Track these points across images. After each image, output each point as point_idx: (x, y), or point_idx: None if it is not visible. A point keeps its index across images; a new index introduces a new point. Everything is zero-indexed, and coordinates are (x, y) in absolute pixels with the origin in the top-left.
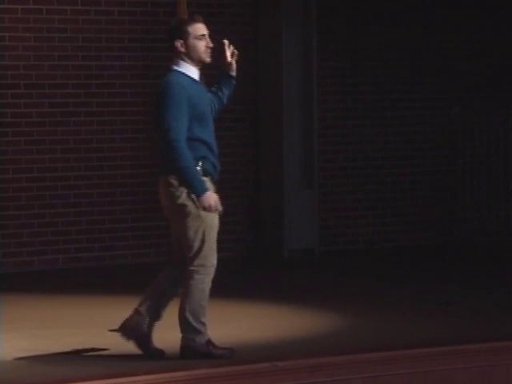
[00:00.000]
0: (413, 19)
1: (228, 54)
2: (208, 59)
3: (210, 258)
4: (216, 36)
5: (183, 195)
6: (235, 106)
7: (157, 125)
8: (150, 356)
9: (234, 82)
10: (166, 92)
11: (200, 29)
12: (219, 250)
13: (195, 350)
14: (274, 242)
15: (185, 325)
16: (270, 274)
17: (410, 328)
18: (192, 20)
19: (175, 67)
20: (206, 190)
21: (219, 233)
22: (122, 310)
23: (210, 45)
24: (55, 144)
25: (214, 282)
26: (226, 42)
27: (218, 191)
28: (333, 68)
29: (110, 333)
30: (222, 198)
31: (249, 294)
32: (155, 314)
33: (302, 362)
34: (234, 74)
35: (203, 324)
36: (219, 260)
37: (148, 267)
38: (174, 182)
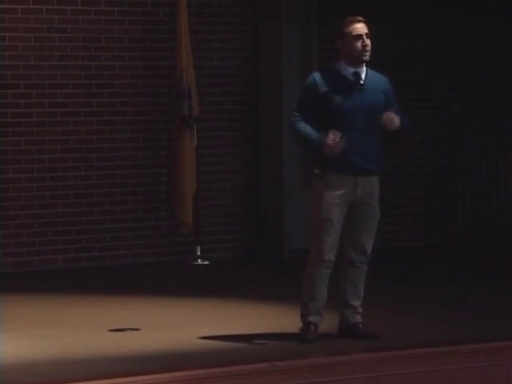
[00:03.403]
0: (413, 19)
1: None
2: (364, 58)
3: (318, 247)
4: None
5: (313, 183)
6: (235, 105)
7: None
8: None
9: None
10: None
11: (357, 29)
12: (219, 250)
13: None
14: (274, 242)
15: None
16: (270, 274)
17: (410, 328)
18: (351, 21)
19: (335, 64)
20: (321, 139)
21: (219, 232)
22: (122, 310)
23: (367, 43)
24: (55, 144)
25: (214, 281)
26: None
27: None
28: None
29: (110, 333)
30: (222, 198)
31: (248, 293)
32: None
33: (301, 362)
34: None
35: (306, 307)
36: (219, 260)
37: (148, 267)
38: (316, 171)
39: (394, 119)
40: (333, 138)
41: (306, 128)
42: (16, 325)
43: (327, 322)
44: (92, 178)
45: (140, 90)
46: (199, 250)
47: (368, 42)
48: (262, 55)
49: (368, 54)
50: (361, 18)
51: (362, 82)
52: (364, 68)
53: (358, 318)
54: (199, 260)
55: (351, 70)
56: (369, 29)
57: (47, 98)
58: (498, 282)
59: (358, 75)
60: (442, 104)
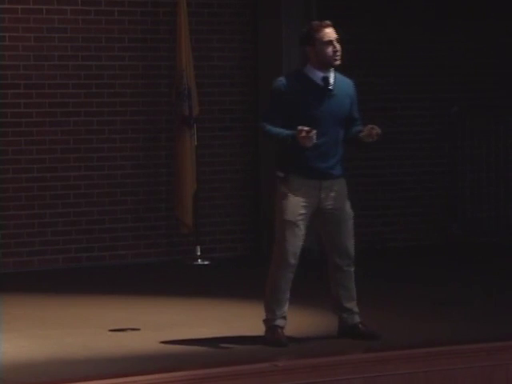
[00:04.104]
0: (413, 19)
1: (366, 132)
2: (336, 62)
3: (282, 252)
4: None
5: (278, 186)
6: (235, 105)
7: None
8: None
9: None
10: (273, 84)
11: (327, 34)
12: (219, 250)
13: (265, 329)
14: (273, 241)
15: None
16: None
17: (410, 328)
18: (320, 26)
19: (303, 68)
20: (292, 133)
21: (219, 232)
22: (121, 310)
23: (338, 48)
24: (55, 144)
25: (214, 281)
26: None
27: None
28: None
29: (110, 333)
30: (222, 198)
31: (248, 294)
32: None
33: (301, 362)
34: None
35: (273, 313)
36: (219, 260)
37: (148, 267)
38: (280, 174)
39: (378, 134)
40: (302, 131)
41: (276, 129)
42: (16, 325)
43: (326, 323)
44: (92, 177)
45: (140, 90)
46: (199, 249)
47: (338, 46)
48: (262, 55)
49: (339, 58)
50: (329, 23)
51: (330, 88)
52: (332, 72)
53: (357, 319)
54: (199, 260)
55: (320, 74)
56: (337, 32)
57: (47, 97)
58: (498, 281)
59: (327, 80)
60: (441, 104)
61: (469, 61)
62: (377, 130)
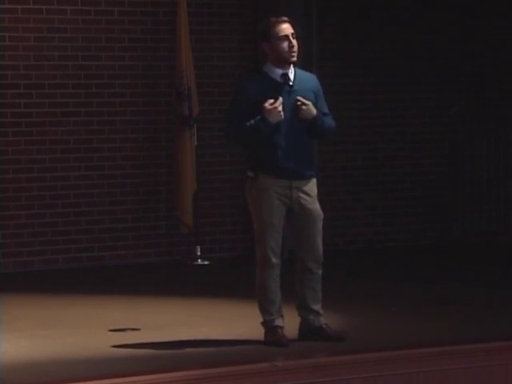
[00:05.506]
0: (412, 20)
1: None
2: (292, 59)
3: (264, 252)
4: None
5: (249, 187)
6: None
7: None
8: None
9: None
10: (235, 87)
11: (282, 30)
12: (219, 250)
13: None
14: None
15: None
16: None
17: (410, 328)
18: (276, 22)
19: (263, 67)
20: (260, 117)
21: (219, 232)
22: (121, 310)
23: (293, 44)
24: (55, 144)
25: (214, 281)
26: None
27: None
28: (333, 68)
29: (110, 333)
30: (222, 198)
31: (249, 294)
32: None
33: (301, 362)
34: (305, 117)
35: (269, 313)
36: (219, 260)
37: (148, 267)
38: (250, 173)
39: (304, 104)
40: (268, 104)
41: (244, 124)
42: (16, 325)
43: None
44: (92, 177)
45: (140, 90)
46: (199, 249)
47: (294, 42)
48: (262, 55)
49: (295, 54)
50: (286, 19)
51: (290, 83)
52: (292, 68)
53: (322, 320)
54: (199, 260)
55: (279, 71)
56: (294, 29)
57: (47, 97)
58: (498, 281)
59: (286, 76)
60: (441, 104)
61: (469, 61)
62: (301, 100)
